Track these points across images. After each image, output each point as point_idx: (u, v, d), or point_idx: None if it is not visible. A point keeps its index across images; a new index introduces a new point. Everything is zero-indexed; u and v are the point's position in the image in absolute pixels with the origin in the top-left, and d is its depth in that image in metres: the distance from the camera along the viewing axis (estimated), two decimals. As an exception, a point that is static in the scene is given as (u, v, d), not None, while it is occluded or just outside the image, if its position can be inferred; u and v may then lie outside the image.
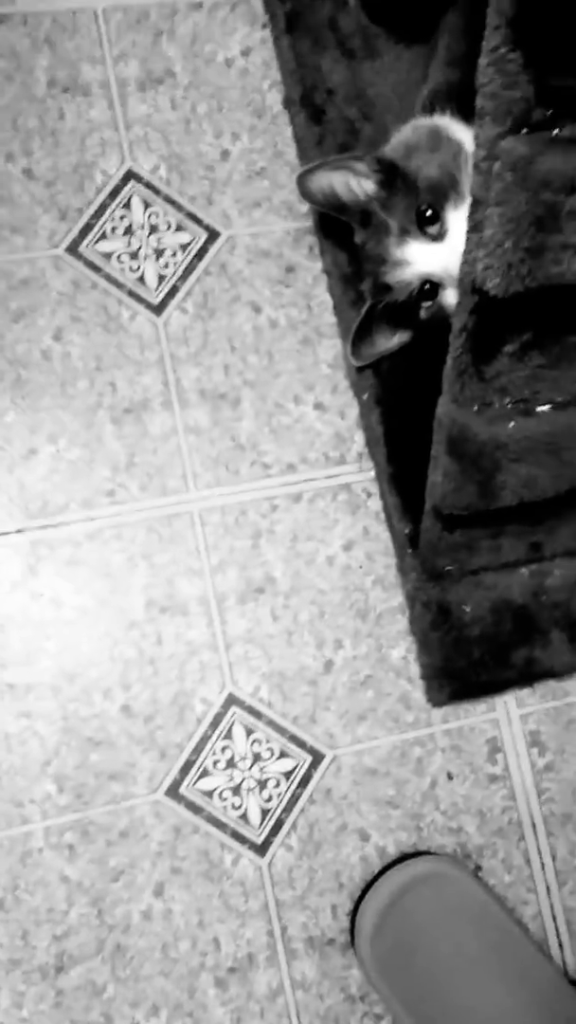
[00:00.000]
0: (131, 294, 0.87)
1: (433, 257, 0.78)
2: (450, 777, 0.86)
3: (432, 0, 0.85)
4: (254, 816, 0.83)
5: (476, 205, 0.58)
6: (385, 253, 0.80)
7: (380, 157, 0.80)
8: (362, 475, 0.89)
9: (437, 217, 0.77)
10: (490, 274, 0.59)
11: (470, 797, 0.86)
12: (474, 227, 0.59)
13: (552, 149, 0.53)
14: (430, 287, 0.80)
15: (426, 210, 0.77)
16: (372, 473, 0.88)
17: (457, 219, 0.76)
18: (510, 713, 0.88)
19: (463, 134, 0.77)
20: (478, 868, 0.85)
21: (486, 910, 0.81)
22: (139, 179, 0.88)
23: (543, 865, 0.87)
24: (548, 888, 0.86)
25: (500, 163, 0.54)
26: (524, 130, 0.54)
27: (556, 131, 0.54)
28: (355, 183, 0.80)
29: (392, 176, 0.79)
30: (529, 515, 0.81)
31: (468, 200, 0.59)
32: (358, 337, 0.84)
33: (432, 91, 0.82)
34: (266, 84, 0.91)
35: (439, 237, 0.77)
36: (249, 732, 0.84)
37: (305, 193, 0.82)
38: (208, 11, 0.92)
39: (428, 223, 0.77)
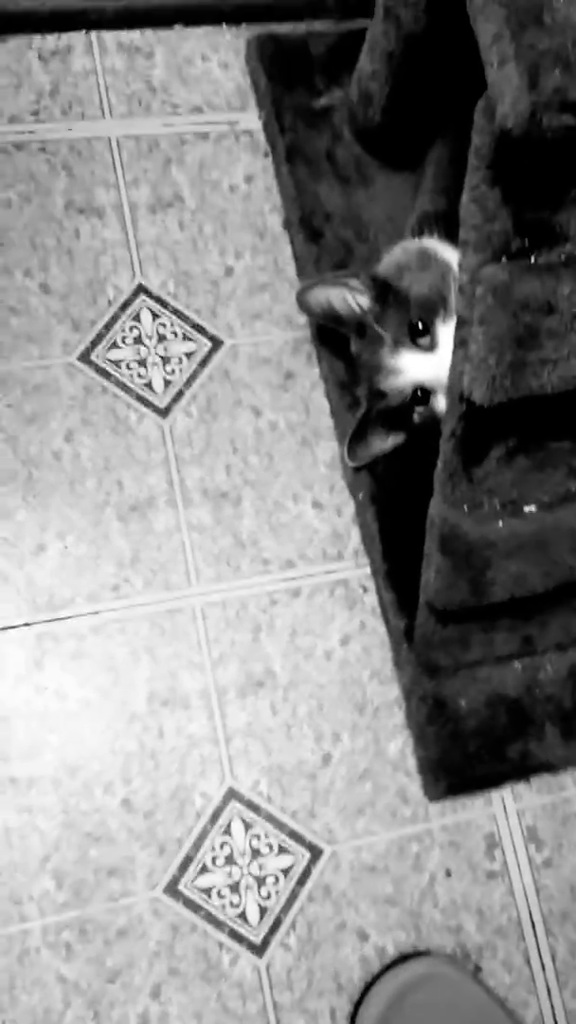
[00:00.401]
0: (139, 399, 0.92)
1: (424, 366, 0.83)
2: (448, 874, 0.86)
3: (420, 133, 0.93)
4: (252, 915, 0.83)
5: (461, 324, 0.63)
6: (380, 362, 0.85)
7: (374, 275, 0.86)
8: (359, 571, 0.92)
9: (428, 330, 0.82)
10: (475, 385, 0.63)
11: (469, 894, 0.86)
12: (460, 343, 0.64)
13: (529, 275, 0.58)
14: (422, 393, 0.84)
15: (417, 324, 0.82)
16: (368, 569, 0.91)
17: (446, 332, 0.81)
18: (507, 808, 0.88)
19: (449, 255, 0.83)
20: (478, 969, 0.85)
21: (486, 1012, 0.80)
22: (148, 293, 0.94)
23: (543, 966, 0.86)
24: (549, 989, 0.85)
25: (482, 288, 0.59)
26: (504, 258, 0.59)
27: (533, 259, 0.60)
28: (350, 298, 0.86)
29: (385, 292, 0.85)
30: (520, 610, 0.83)
31: (456, 316, 0.64)
32: (354, 439, 0.88)
33: (420, 216, 0.88)
34: (267, 207, 0.98)
35: (430, 348, 0.83)
36: (248, 827, 0.84)
37: (304, 307, 0.87)
38: (214, 141, 0.99)
39: (419, 335, 0.83)
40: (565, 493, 0.75)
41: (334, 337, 0.91)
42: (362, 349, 0.87)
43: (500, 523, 0.73)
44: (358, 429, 0.88)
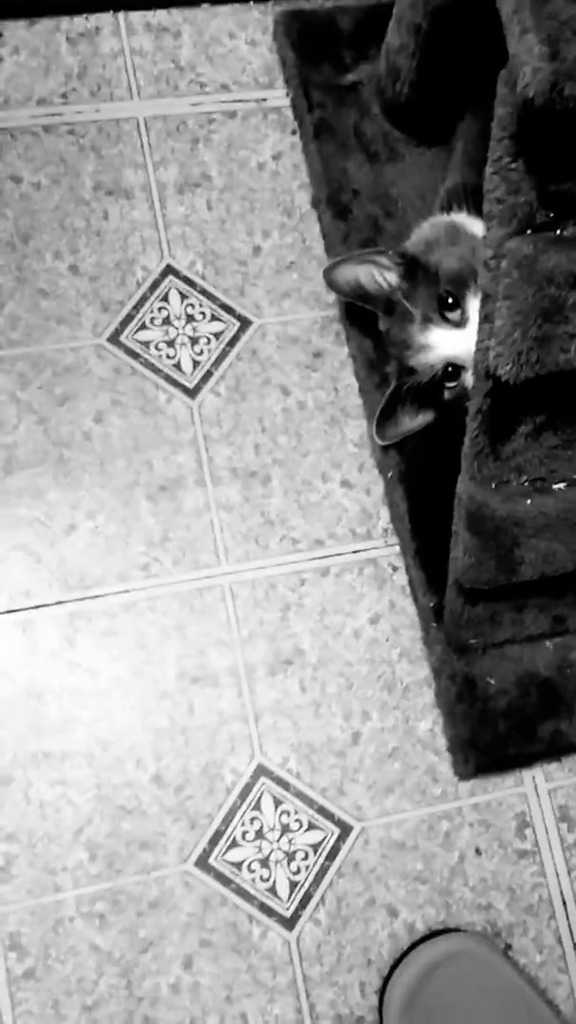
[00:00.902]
0: (168, 379, 0.92)
1: (455, 342, 0.82)
2: (478, 852, 0.86)
3: (449, 108, 0.92)
4: (282, 889, 0.84)
5: (486, 299, 0.62)
6: (409, 339, 0.84)
7: (402, 251, 0.85)
8: (388, 550, 0.91)
9: (458, 304, 0.81)
10: (501, 361, 0.62)
11: (499, 873, 0.86)
12: (485, 319, 0.63)
13: (555, 248, 0.57)
14: (452, 369, 0.84)
15: (447, 298, 0.81)
16: (397, 548, 0.91)
17: (476, 307, 0.80)
18: (538, 787, 0.88)
19: (479, 229, 0.82)
20: (508, 947, 0.85)
21: (516, 990, 0.80)
22: (177, 274, 0.95)
23: (575, 945, 0.86)
24: (580, 968, 0.85)
25: (507, 261, 0.58)
26: (528, 231, 0.58)
27: (558, 231, 0.59)
28: (379, 275, 0.85)
29: (413, 268, 0.84)
30: (551, 589, 0.83)
31: (481, 291, 0.64)
32: (383, 418, 0.88)
33: (449, 190, 0.87)
34: (295, 185, 0.98)
35: (460, 323, 0.82)
36: (278, 803, 0.85)
37: (332, 284, 0.87)
38: (241, 119, 0.99)
39: (449, 310, 0.82)
40: (595, 470, 0.74)
41: (362, 315, 0.91)
42: (391, 326, 0.87)
43: (528, 501, 0.72)
44: (387, 407, 0.87)
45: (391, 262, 0.85)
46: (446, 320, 0.82)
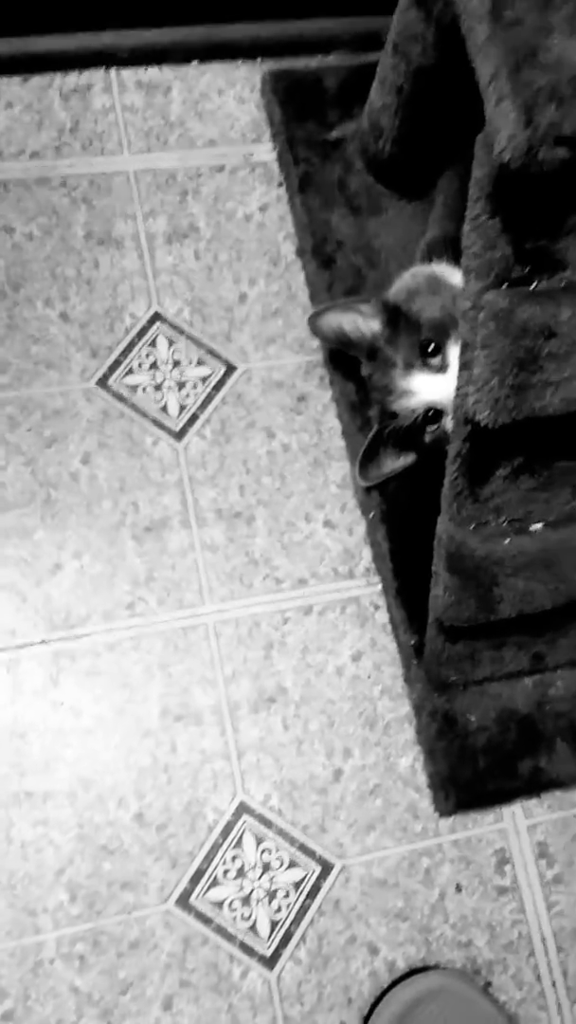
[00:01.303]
0: (155, 422, 0.94)
1: (436, 387, 0.85)
2: (459, 889, 0.87)
3: (430, 164, 0.96)
4: (263, 928, 0.84)
5: (465, 348, 0.65)
6: (391, 384, 0.87)
7: (384, 300, 0.88)
8: (369, 589, 0.93)
9: (439, 351, 0.84)
10: (480, 407, 0.65)
11: (479, 910, 0.87)
12: (464, 366, 0.66)
13: (529, 301, 0.60)
14: (433, 413, 0.86)
15: (428, 345, 0.84)
16: (379, 587, 0.93)
17: (456, 354, 0.83)
18: (517, 824, 0.89)
19: (458, 279, 0.85)
20: (488, 984, 0.85)
21: (497, 1029, 0.80)
22: (164, 320, 0.97)
23: (554, 982, 0.86)
24: (560, 1005, 0.86)
25: (484, 313, 0.61)
26: (505, 285, 0.61)
27: (533, 285, 0.62)
28: (362, 323, 0.88)
29: (395, 317, 0.87)
30: (529, 627, 0.85)
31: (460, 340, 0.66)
32: (365, 460, 0.90)
33: (430, 242, 0.91)
34: (281, 236, 1.01)
35: (441, 369, 0.85)
36: (259, 841, 0.85)
37: (316, 332, 0.90)
38: (229, 173, 1.03)
39: (431, 356, 0.85)
40: (571, 511, 0.76)
41: (345, 361, 0.94)
42: (373, 372, 0.90)
43: (507, 541, 0.75)
44: (369, 450, 0.90)
45: (374, 310, 0.88)
46: (427, 366, 0.85)
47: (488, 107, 0.55)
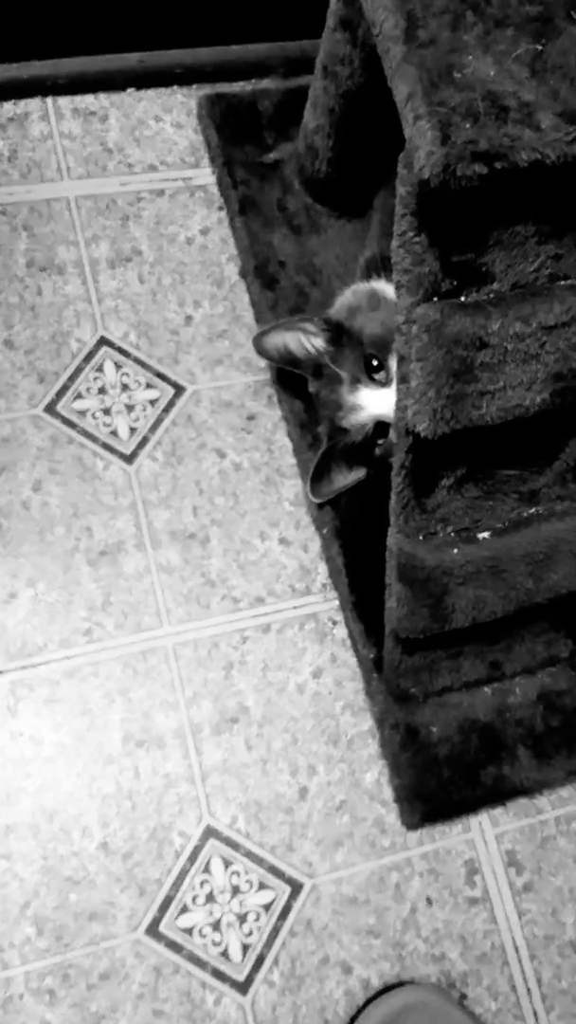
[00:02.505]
0: (105, 446, 0.94)
1: (382, 401, 0.85)
2: (429, 902, 0.87)
3: (366, 182, 0.97)
4: (235, 952, 0.83)
5: (402, 361, 0.65)
6: (339, 400, 0.88)
7: (327, 318, 0.89)
8: (327, 604, 0.93)
9: (382, 366, 0.85)
10: (419, 419, 0.66)
11: (451, 922, 0.87)
12: (402, 379, 0.66)
13: (460, 313, 0.61)
14: (381, 427, 0.87)
15: (372, 360, 0.85)
16: (336, 602, 0.93)
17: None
18: (485, 833, 0.89)
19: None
20: (463, 996, 0.85)
21: (473, 1040, 0.80)
22: (111, 344, 0.97)
23: (528, 991, 0.86)
24: (536, 1014, 0.86)
25: (417, 326, 0.62)
26: (435, 298, 0.62)
27: (462, 297, 0.62)
28: (306, 341, 0.89)
29: (339, 333, 0.88)
30: (484, 636, 0.85)
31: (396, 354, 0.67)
32: (316, 477, 0.91)
33: (368, 260, 0.92)
34: (224, 258, 1.02)
35: (386, 383, 0.85)
36: (227, 864, 0.85)
37: (262, 352, 0.90)
38: (169, 197, 1.03)
39: (375, 371, 0.86)
40: (518, 519, 0.77)
41: (293, 379, 0.94)
42: (320, 389, 0.90)
43: (455, 550, 0.75)
44: (319, 466, 0.90)
45: (317, 328, 0.88)
46: (373, 381, 0.86)
47: (406, 127, 0.56)
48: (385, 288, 0.88)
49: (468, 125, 0.53)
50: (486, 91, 0.54)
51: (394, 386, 0.84)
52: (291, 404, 0.96)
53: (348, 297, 0.90)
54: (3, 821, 0.83)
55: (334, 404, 0.88)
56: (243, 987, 0.82)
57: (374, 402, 0.86)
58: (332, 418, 0.89)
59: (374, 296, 0.87)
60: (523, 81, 0.56)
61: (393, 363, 0.85)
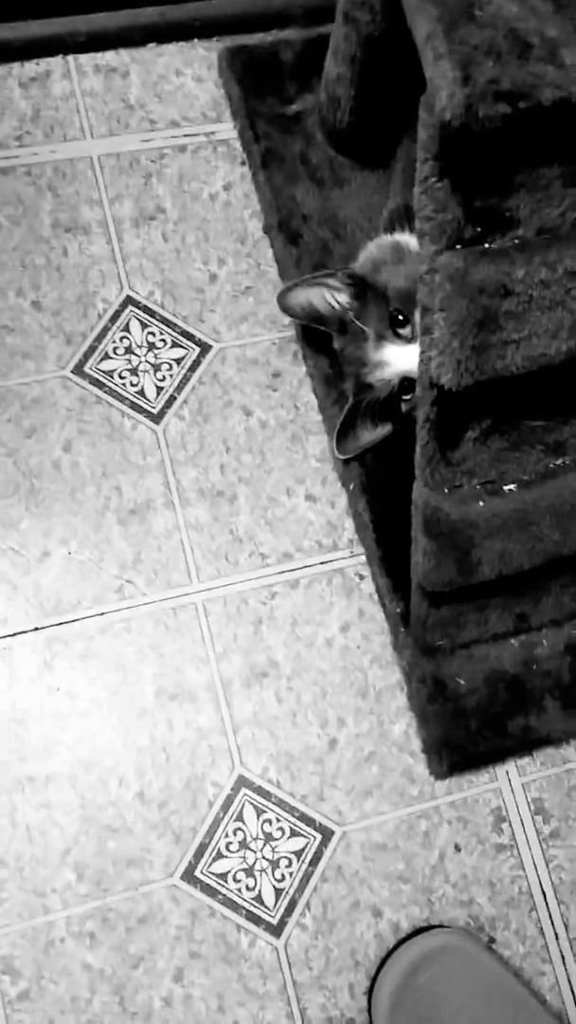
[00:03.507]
0: (133, 406, 0.95)
1: (408, 356, 0.85)
2: (457, 849, 0.88)
3: (389, 132, 0.95)
4: (268, 897, 0.85)
5: (425, 312, 0.65)
6: (364, 356, 0.87)
7: (351, 272, 0.88)
8: (354, 559, 0.94)
9: (408, 321, 0.85)
10: (443, 370, 0.66)
11: (479, 868, 0.88)
12: (425, 330, 0.66)
13: (484, 260, 0.61)
14: (408, 383, 0.87)
15: (397, 315, 0.85)
16: (363, 557, 0.94)
17: None
18: (512, 782, 0.90)
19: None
20: (491, 940, 0.87)
21: (501, 982, 0.82)
22: (136, 304, 0.98)
23: (556, 935, 0.88)
24: (564, 958, 0.87)
25: (440, 275, 0.61)
26: (458, 246, 0.61)
27: (486, 244, 0.62)
28: (330, 297, 0.89)
29: (363, 288, 0.87)
30: (511, 588, 0.85)
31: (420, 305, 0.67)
32: (342, 433, 0.91)
33: (392, 212, 0.91)
34: (247, 214, 1.01)
35: (412, 339, 0.85)
36: (259, 813, 0.87)
37: (286, 309, 0.90)
38: (192, 153, 1.03)
39: (401, 326, 0.85)
40: (544, 470, 0.77)
41: (318, 335, 0.94)
42: (345, 345, 0.90)
43: (480, 503, 0.75)
44: (345, 423, 0.90)
45: (341, 283, 0.88)
46: (399, 336, 0.85)
47: (426, 67, 0.55)
48: (409, 240, 0.87)
49: (490, 64, 0.53)
50: (509, 28, 0.54)
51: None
52: (316, 360, 0.96)
53: (372, 251, 0.89)
54: (43, 772, 0.85)
55: (359, 360, 0.88)
56: (276, 930, 0.85)
57: (399, 358, 0.85)
58: (357, 374, 0.89)
59: (398, 249, 0.87)
60: (548, 17, 0.55)
61: (418, 317, 0.84)
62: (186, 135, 1.03)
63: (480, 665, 0.89)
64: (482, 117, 0.53)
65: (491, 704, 0.88)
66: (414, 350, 0.84)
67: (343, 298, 0.88)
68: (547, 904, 0.88)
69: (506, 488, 0.76)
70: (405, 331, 0.85)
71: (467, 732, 0.88)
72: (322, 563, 0.94)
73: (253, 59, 1.02)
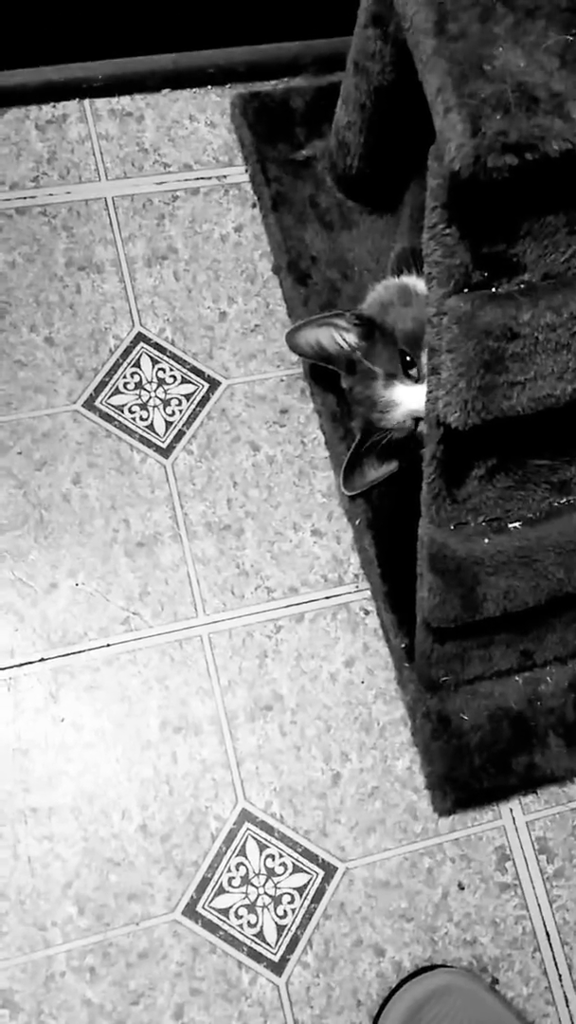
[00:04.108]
0: (142, 440, 0.96)
1: (416, 397, 0.86)
2: (461, 887, 0.88)
3: (397, 178, 0.98)
4: (270, 933, 0.85)
5: (432, 353, 0.67)
6: (373, 395, 0.88)
7: (359, 314, 0.90)
8: (359, 594, 0.95)
9: (415, 362, 0.86)
10: (450, 410, 0.67)
11: (482, 907, 0.88)
12: (433, 371, 0.67)
13: (491, 304, 0.62)
14: (418, 422, 0.88)
15: (404, 356, 0.86)
16: (368, 592, 0.95)
17: None
18: (516, 820, 0.90)
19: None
20: (495, 981, 0.86)
21: (505, 1024, 0.81)
22: (147, 340, 0.99)
23: (560, 976, 0.87)
24: (567, 1000, 0.86)
25: (447, 318, 0.63)
26: (466, 289, 0.63)
27: (493, 289, 0.64)
28: (338, 336, 0.90)
29: (371, 329, 0.89)
30: (516, 625, 0.86)
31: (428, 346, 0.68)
32: (349, 470, 0.92)
33: (399, 254, 0.93)
34: (257, 254, 1.04)
35: (420, 379, 0.86)
36: (262, 848, 0.87)
37: (295, 348, 0.92)
38: (204, 195, 1.05)
39: (409, 367, 0.86)
40: (549, 508, 0.78)
41: (325, 373, 0.95)
42: (353, 384, 0.91)
43: (486, 540, 0.76)
44: (352, 460, 0.92)
45: (349, 324, 0.90)
46: (408, 377, 0.86)
47: (436, 119, 0.57)
48: (416, 283, 0.89)
49: (498, 116, 0.54)
50: (516, 82, 0.55)
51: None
52: (323, 398, 0.97)
53: (379, 292, 0.91)
54: (46, 803, 0.85)
55: (368, 400, 0.89)
56: (278, 968, 0.84)
57: (408, 398, 0.86)
58: (367, 415, 0.90)
59: (405, 291, 0.88)
60: (553, 71, 0.57)
61: (425, 359, 0.86)
62: (199, 178, 1.06)
63: (484, 702, 0.89)
64: (490, 168, 0.55)
65: (495, 741, 0.89)
66: (422, 390, 0.86)
67: (351, 338, 0.90)
68: (551, 945, 0.88)
69: (511, 526, 0.76)
70: (413, 372, 0.86)
71: (471, 769, 0.88)
72: (327, 598, 0.94)
73: (265, 106, 1.05)
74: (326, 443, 0.98)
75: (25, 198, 1.02)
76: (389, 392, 0.87)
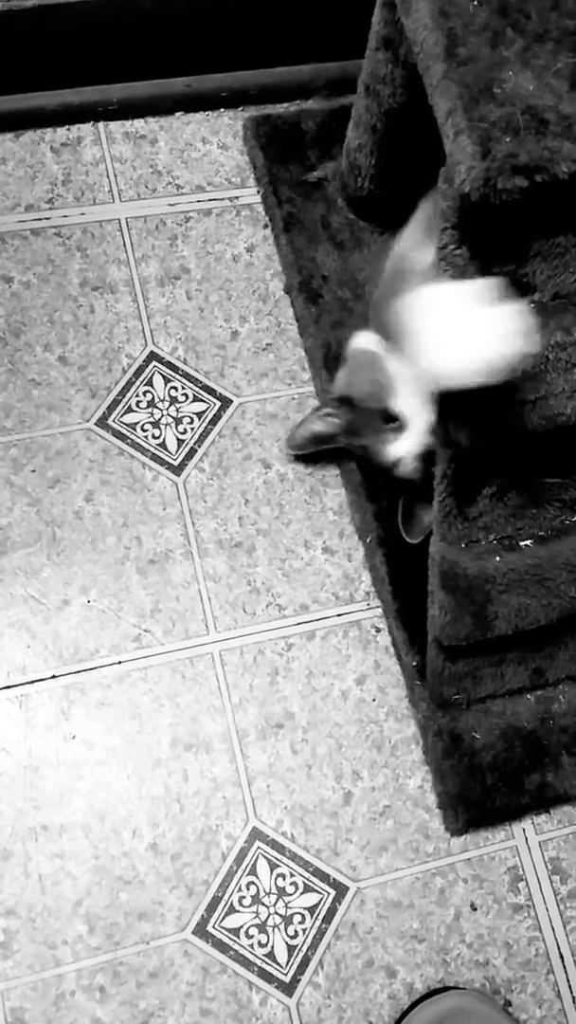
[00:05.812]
0: (154, 458, 0.97)
1: (411, 441, 0.85)
2: (474, 908, 0.87)
3: (408, 198, 0.99)
4: (281, 954, 0.84)
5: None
6: (381, 454, 0.89)
7: (334, 396, 0.91)
8: (370, 612, 0.95)
9: (393, 416, 0.86)
10: (461, 430, 0.67)
11: (495, 928, 0.87)
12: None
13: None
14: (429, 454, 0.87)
15: (386, 414, 0.87)
16: (380, 610, 0.95)
17: (404, 405, 0.84)
18: (528, 840, 0.90)
19: (372, 343, 0.87)
20: (507, 1003, 0.85)
21: (518, 1047, 0.80)
22: (160, 359, 1.00)
23: (574, 999, 0.86)
24: (581, 1023, 0.85)
25: (458, 336, 0.63)
26: (476, 310, 0.63)
27: (504, 308, 0.64)
28: (328, 421, 0.92)
29: (350, 404, 0.90)
30: (527, 643, 0.86)
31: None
32: (405, 521, 0.92)
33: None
34: (269, 274, 1.04)
35: (402, 428, 0.86)
36: (273, 867, 0.86)
37: (296, 447, 0.95)
38: (216, 216, 1.06)
39: (390, 421, 0.87)
40: (560, 526, 0.78)
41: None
42: (363, 442, 0.92)
43: (497, 558, 0.76)
44: (405, 512, 0.92)
45: (332, 408, 0.91)
46: (397, 430, 0.86)
47: (447, 142, 0.57)
48: (362, 343, 0.88)
49: (508, 139, 0.55)
50: (526, 105, 0.56)
51: (411, 428, 0.85)
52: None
53: (348, 364, 0.92)
54: (57, 821, 0.85)
55: (378, 455, 0.90)
56: (289, 988, 0.84)
57: (401, 447, 0.86)
58: (386, 468, 0.90)
59: (355, 357, 0.89)
60: (563, 94, 0.57)
61: (397, 407, 0.85)
62: (211, 199, 1.07)
63: (496, 720, 0.89)
64: (500, 190, 0.56)
65: (508, 760, 0.88)
66: (410, 434, 0.85)
67: (339, 419, 0.91)
68: (564, 967, 0.87)
69: (522, 543, 0.77)
70: (395, 423, 0.86)
71: (483, 787, 0.88)
72: (339, 615, 0.94)
73: (277, 128, 1.06)
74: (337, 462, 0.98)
75: (40, 219, 1.03)
76: (387, 448, 0.87)
